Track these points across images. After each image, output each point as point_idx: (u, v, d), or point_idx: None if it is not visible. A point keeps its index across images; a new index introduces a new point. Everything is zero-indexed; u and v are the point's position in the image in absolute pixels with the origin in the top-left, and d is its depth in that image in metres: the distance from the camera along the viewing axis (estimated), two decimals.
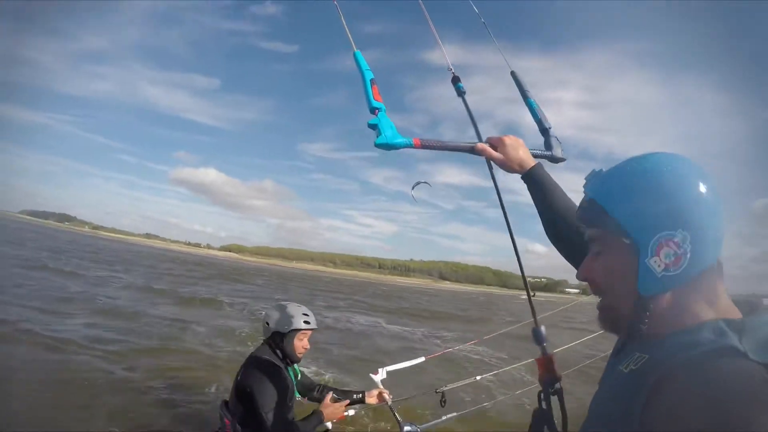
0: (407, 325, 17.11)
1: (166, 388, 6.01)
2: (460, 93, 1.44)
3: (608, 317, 0.82)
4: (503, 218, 1.32)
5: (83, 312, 10.53)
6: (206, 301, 15.99)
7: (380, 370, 3.17)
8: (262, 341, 2.92)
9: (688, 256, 0.71)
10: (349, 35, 1.28)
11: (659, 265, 0.72)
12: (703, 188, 0.72)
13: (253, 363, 2.72)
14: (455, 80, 1.45)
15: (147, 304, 13.18)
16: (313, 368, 8.09)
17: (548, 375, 1.15)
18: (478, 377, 3.65)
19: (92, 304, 11.68)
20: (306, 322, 2.81)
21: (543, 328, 1.23)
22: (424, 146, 1.17)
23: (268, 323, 2.83)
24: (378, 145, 1.12)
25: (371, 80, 1.20)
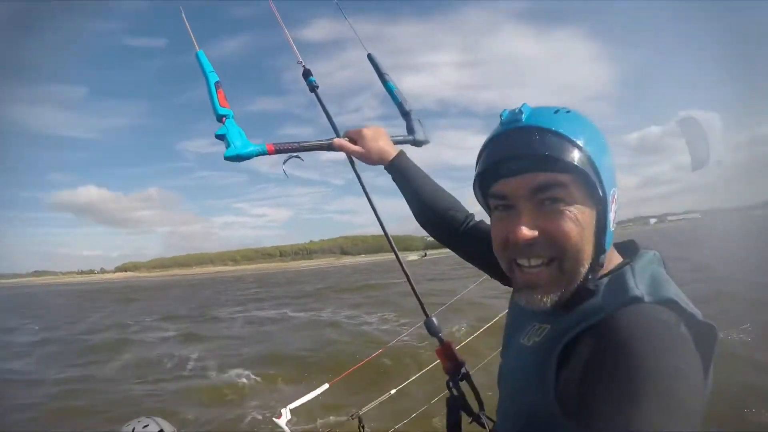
0: (313, 309, 17.12)
1: None
2: (313, 88, 1.32)
3: (558, 287, 0.68)
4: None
5: None
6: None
7: (283, 411, 2.88)
8: None
9: (617, 211, 0.71)
10: (192, 34, 1.13)
11: (612, 220, 0.69)
12: None
13: None
14: (306, 74, 1.33)
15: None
16: (235, 371, 8.16)
17: (451, 363, 1.14)
18: (393, 391, 3.30)
19: None
20: None
21: (435, 319, 1.21)
22: (279, 151, 1.08)
23: None
24: (228, 158, 0.99)
25: (216, 83, 1.07)
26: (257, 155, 1.04)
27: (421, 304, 1.27)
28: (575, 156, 0.65)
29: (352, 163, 1.23)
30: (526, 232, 0.66)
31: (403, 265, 1.31)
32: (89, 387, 7.91)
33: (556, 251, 0.67)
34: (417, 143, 1.31)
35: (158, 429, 2.34)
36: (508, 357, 0.85)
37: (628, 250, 0.77)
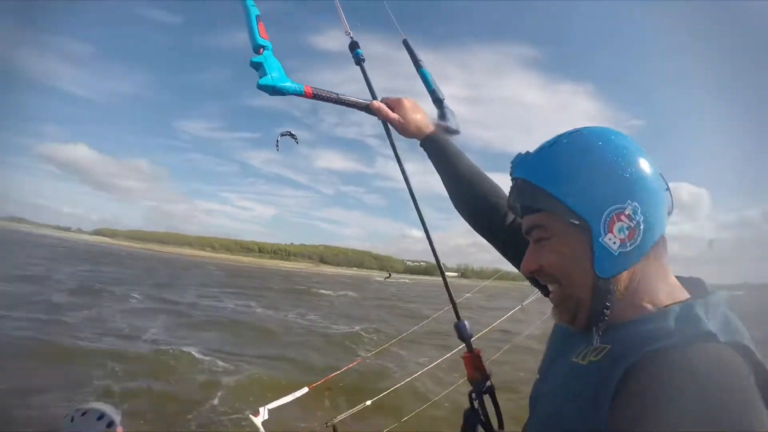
0: (284, 308, 17.28)
1: None
2: (359, 61, 1.27)
3: (567, 307, 0.74)
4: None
5: None
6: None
7: (261, 409, 2.84)
8: None
9: (642, 227, 0.68)
10: None
11: (614, 242, 0.68)
12: (641, 157, 0.70)
13: None
14: (353, 46, 1.26)
15: None
16: (209, 357, 7.93)
17: (478, 373, 1.07)
18: (368, 402, 3.27)
19: None
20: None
21: (467, 323, 1.15)
22: (316, 97, 1.04)
23: None
24: (261, 87, 0.96)
25: (257, 17, 1.03)
26: (293, 93, 1.00)
27: (454, 305, 1.22)
28: (543, 202, 0.72)
29: (387, 130, 1.19)
30: (525, 267, 0.78)
31: (441, 267, 1.26)
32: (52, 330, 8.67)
33: (551, 278, 0.75)
34: (450, 131, 1.25)
35: (98, 414, 2.16)
36: (552, 375, 0.81)
37: (697, 287, 0.75)
